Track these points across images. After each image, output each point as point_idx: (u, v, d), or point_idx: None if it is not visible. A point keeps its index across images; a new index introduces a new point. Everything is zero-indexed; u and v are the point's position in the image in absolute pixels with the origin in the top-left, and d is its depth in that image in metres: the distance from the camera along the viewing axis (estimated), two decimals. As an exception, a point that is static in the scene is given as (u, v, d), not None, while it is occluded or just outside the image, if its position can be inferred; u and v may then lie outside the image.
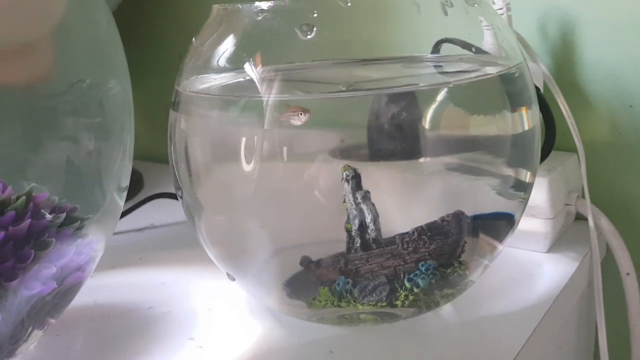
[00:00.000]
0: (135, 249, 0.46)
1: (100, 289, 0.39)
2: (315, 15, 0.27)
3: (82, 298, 0.35)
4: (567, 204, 0.42)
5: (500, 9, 0.41)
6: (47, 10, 0.29)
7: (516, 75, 0.31)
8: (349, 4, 0.27)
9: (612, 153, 0.45)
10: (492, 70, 0.33)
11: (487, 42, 0.34)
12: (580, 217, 0.44)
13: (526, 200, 0.34)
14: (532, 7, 0.45)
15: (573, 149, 0.42)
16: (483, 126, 0.31)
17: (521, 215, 0.34)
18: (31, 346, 0.33)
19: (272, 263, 0.33)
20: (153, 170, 0.63)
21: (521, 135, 0.31)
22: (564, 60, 0.44)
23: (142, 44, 0.67)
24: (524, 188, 0.33)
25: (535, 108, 0.32)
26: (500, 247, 0.34)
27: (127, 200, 0.56)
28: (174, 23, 0.65)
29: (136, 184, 0.60)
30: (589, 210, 0.41)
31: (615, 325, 0.44)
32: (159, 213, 0.52)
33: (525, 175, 0.32)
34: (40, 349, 0.34)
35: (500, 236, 0.34)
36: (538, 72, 0.42)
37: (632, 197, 0.45)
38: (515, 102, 0.31)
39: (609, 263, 0.44)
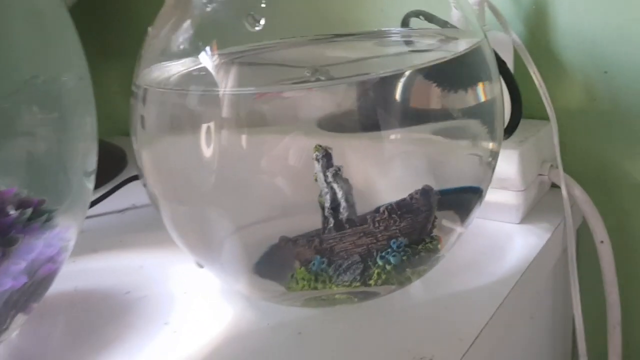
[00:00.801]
0: (117, 231, 0.47)
1: (81, 274, 0.40)
2: (263, 5, 0.26)
3: (63, 284, 0.36)
4: (540, 175, 0.42)
5: (470, -23, 0.40)
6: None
7: (474, 52, 0.30)
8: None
9: (587, 120, 0.44)
10: (453, 48, 0.33)
11: (454, 15, 0.33)
12: (555, 186, 0.44)
13: (492, 170, 0.33)
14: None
15: (547, 117, 0.42)
16: (445, 101, 0.31)
17: (488, 187, 0.34)
18: (13, 334, 0.34)
19: (241, 246, 0.33)
20: (137, 147, 0.63)
21: (481, 108, 0.31)
22: (537, 26, 0.44)
23: (118, 22, 0.67)
24: (488, 160, 0.33)
25: (496, 82, 0.32)
26: (469, 219, 0.34)
27: (110, 179, 0.57)
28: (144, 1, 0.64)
29: (119, 161, 0.60)
30: (562, 180, 0.41)
31: (592, 293, 0.44)
32: (141, 192, 0.52)
33: (489, 147, 0.32)
34: (22, 337, 0.35)
35: (468, 209, 0.34)
36: (509, 41, 0.41)
37: (606, 164, 0.45)
38: (474, 77, 0.30)
39: (584, 231, 0.44)
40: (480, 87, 0.31)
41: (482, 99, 0.31)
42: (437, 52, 0.34)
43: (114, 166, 0.58)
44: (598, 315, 0.45)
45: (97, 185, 0.37)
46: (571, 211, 0.41)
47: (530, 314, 0.40)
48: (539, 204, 0.43)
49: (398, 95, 0.30)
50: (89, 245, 0.43)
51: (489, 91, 0.31)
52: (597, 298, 0.44)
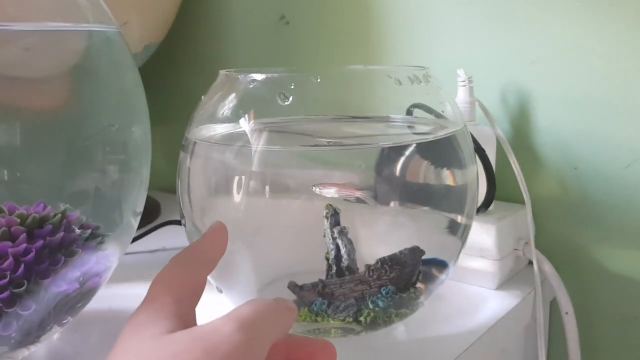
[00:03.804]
0: (147, 267, 0.52)
1: (114, 297, 0.46)
2: (292, 86, 0.35)
3: (98, 303, 0.42)
4: (515, 249, 0.48)
5: (463, 81, 0.48)
6: (68, 52, 0.36)
7: (452, 138, 0.38)
8: (318, 80, 0.35)
9: (559, 207, 0.51)
10: (432, 134, 0.40)
11: (448, 109, 0.41)
12: (532, 263, 0.50)
13: (464, 239, 0.40)
14: (494, 80, 0.52)
15: (524, 202, 0.49)
16: (428, 179, 0.38)
17: (459, 252, 0.40)
18: (54, 336, 0.40)
19: (257, 285, 0.39)
20: (170, 200, 0.71)
21: (460, 188, 0.38)
22: (521, 126, 0.52)
23: (167, 95, 0.77)
24: (461, 231, 0.39)
25: (472, 166, 0.39)
26: (444, 277, 0.40)
27: (144, 225, 0.64)
28: (192, 79, 0.75)
29: (154, 211, 0.68)
30: (534, 255, 0.47)
31: (559, 358, 0.50)
32: (171, 238, 0.60)
33: (461, 220, 0.39)
34: (62, 340, 0.41)
35: (444, 269, 0.40)
36: (494, 135, 0.49)
37: (575, 246, 0.51)
38: (455, 160, 0.38)
39: (555, 304, 0.50)
40: (455, 169, 0.38)
41: (456, 179, 0.38)
42: (427, 136, 0.41)
43: (149, 214, 0.66)
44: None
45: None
46: (543, 285, 0.47)
47: (498, 367, 0.46)
48: (516, 276, 0.49)
49: (393, 165, 0.37)
50: (122, 275, 0.50)
51: (462, 174, 0.38)
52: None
